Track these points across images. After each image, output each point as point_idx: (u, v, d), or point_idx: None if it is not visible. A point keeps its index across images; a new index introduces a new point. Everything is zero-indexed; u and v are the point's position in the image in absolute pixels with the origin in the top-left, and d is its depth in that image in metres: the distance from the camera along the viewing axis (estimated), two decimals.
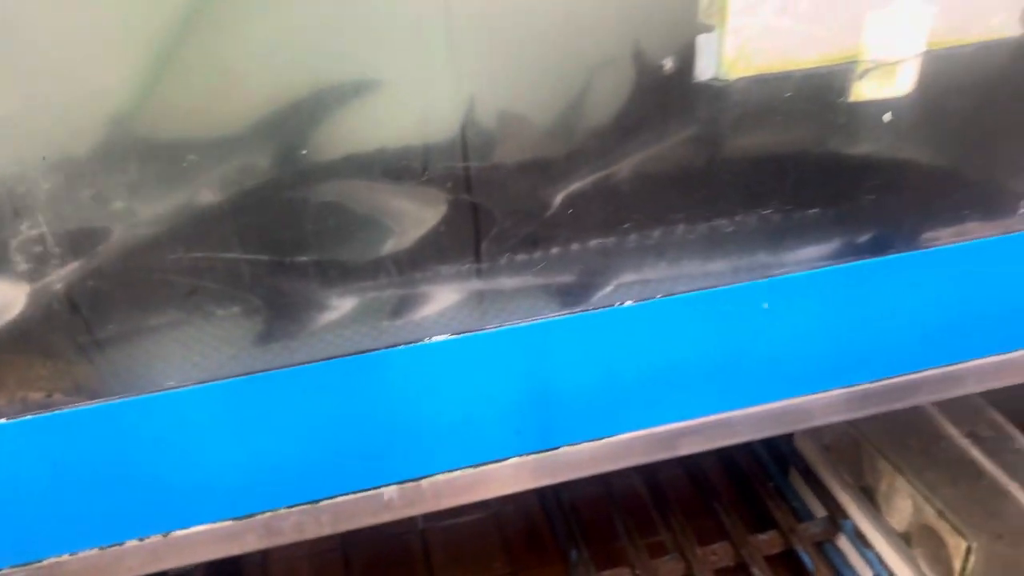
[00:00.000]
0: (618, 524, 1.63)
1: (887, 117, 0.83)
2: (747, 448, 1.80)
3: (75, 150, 0.69)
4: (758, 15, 0.75)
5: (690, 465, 1.79)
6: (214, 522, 0.89)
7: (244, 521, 0.89)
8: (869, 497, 1.50)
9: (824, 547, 1.57)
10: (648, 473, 1.78)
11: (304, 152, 0.73)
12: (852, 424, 1.51)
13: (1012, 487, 1.16)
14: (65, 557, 0.86)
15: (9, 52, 0.63)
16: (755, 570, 1.48)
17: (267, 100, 0.70)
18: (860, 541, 1.51)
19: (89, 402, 0.80)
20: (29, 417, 0.79)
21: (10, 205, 0.68)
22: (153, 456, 0.84)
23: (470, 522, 1.95)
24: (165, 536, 0.88)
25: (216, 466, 0.86)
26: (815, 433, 1.66)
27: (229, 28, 0.67)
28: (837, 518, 1.56)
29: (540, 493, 1.83)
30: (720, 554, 1.54)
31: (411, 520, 1.96)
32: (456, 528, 1.94)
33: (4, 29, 0.62)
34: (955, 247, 0.95)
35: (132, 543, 0.87)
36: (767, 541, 1.56)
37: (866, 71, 0.80)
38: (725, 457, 1.82)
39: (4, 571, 0.86)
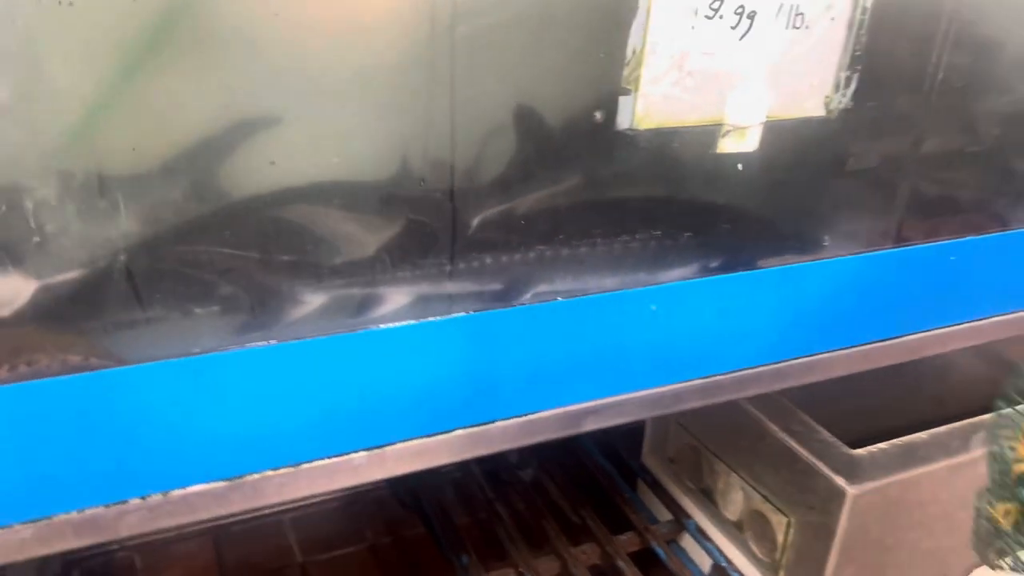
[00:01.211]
0: (501, 534, 1.82)
1: (739, 167, 1.16)
2: (600, 468, 2.07)
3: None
4: (660, 85, 1.05)
5: (553, 488, 2.04)
6: (210, 482, 1.01)
7: (236, 481, 1.02)
8: (708, 496, 1.81)
9: (672, 545, 1.85)
10: (526, 496, 2.00)
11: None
12: (692, 435, 1.82)
13: (819, 466, 1.50)
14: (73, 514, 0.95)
15: None
16: (620, 563, 1.73)
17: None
18: (701, 535, 1.81)
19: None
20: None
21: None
22: (160, 420, 0.96)
23: (349, 554, 2.06)
24: (165, 495, 0.99)
25: (213, 431, 0.99)
26: (660, 448, 1.96)
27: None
28: (681, 519, 1.85)
29: (425, 516, 1.99)
30: (589, 553, 1.78)
31: (289, 553, 2.04)
32: (335, 561, 2.05)
33: None
34: (780, 268, 1.29)
35: (135, 501, 0.97)
36: (627, 541, 1.82)
37: (727, 131, 1.12)
38: (585, 477, 2.08)
39: None
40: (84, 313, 0.89)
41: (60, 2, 0.75)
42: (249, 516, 2.08)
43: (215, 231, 0.91)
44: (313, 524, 2.14)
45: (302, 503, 2.14)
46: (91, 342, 0.90)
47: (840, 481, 1.46)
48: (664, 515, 1.91)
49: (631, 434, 2.10)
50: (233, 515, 1.07)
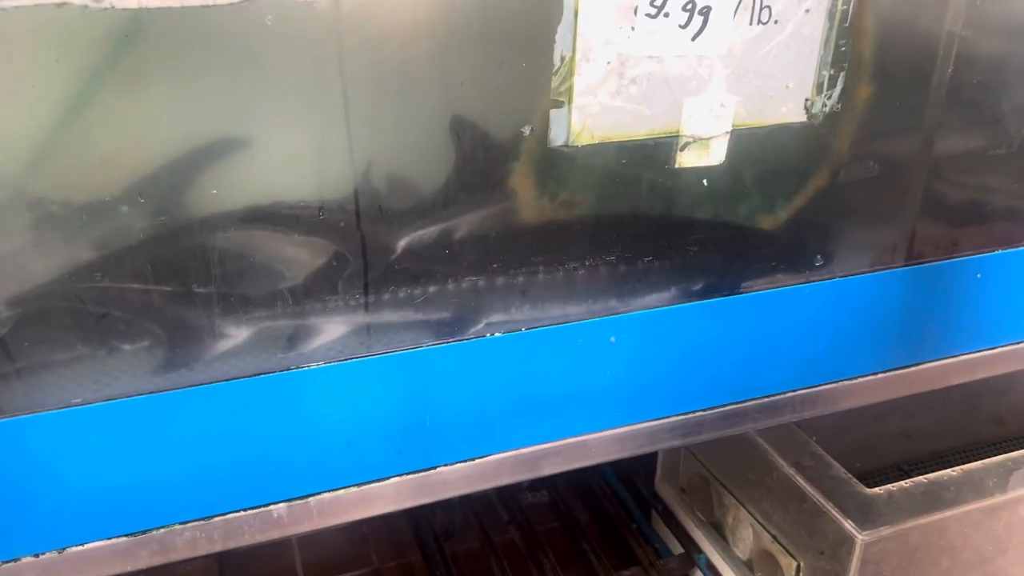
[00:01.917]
0: (495, 567, 1.72)
1: (704, 182, 1.02)
2: (613, 493, 1.95)
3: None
4: (597, 96, 0.93)
5: (562, 512, 1.92)
6: (109, 538, 0.94)
7: (139, 537, 0.95)
8: (719, 531, 1.67)
9: None
10: (525, 523, 1.89)
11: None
12: (702, 464, 1.68)
13: (829, 507, 1.34)
14: None
15: None
16: None
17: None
18: (711, 573, 1.66)
19: None
20: None
21: None
22: (50, 472, 0.89)
23: None
24: (60, 552, 0.93)
25: (111, 483, 0.92)
26: (672, 477, 1.82)
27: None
28: (692, 553, 1.71)
29: (422, 545, 1.90)
30: None
31: (293, 574, 1.98)
32: None
33: None
34: (767, 292, 1.14)
35: (27, 559, 0.91)
36: None
37: (686, 144, 0.99)
38: (593, 503, 1.95)
39: None
40: None
41: None
42: None
43: (96, 271, 0.84)
44: (320, 545, 2.08)
45: None
46: None
47: (849, 525, 1.30)
48: (677, 548, 1.77)
49: (647, 459, 1.96)
50: (192, 556, 1.00)
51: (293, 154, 0.85)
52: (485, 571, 1.77)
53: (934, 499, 1.37)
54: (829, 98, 1.04)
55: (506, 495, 2.04)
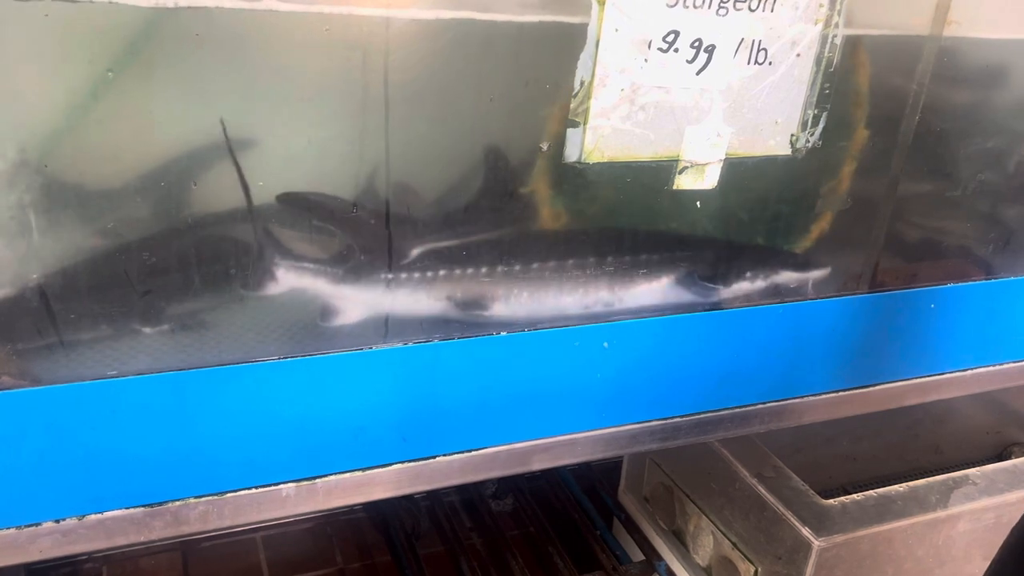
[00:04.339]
0: (464, 568, 1.78)
1: (698, 204, 1.12)
2: (576, 503, 2.02)
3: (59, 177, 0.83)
4: (610, 119, 1.02)
5: (526, 519, 1.99)
6: (127, 508, 0.98)
7: (155, 508, 0.99)
8: (680, 539, 1.76)
9: None
10: (493, 530, 1.95)
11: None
12: (666, 474, 1.77)
13: (787, 515, 1.44)
14: None
15: None
16: None
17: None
18: None
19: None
20: None
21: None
22: (76, 442, 0.93)
23: None
24: (80, 519, 0.96)
25: (133, 455, 0.97)
26: (636, 487, 1.91)
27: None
28: (653, 560, 1.80)
29: (392, 545, 1.95)
30: None
31: (258, 572, 2.01)
32: None
33: None
34: (744, 310, 1.24)
35: (48, 524, 0.95)
36: None
37: (684, 168, 1.09)
38: (556, 512, 2.03)
39: None
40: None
41: None
42: (220, 533, 2.06)
43: (139, 251, 0.89)
44: (284, 544, 2.10)
45: (275, 522, 2.11)
46: (5, 361, 0.88)
47: (807, 532, 1.40)
48: (637, 555, 1.86)
49: (610, 470, 2.05)
50: (203, 531, 1.04)
51: (338, 158, 0.92)
52: (453, 572, 1.83)
53: (883, 511, 1.48)
54: (812, 135, 1.14)
55: (471, 501, 2.10)
